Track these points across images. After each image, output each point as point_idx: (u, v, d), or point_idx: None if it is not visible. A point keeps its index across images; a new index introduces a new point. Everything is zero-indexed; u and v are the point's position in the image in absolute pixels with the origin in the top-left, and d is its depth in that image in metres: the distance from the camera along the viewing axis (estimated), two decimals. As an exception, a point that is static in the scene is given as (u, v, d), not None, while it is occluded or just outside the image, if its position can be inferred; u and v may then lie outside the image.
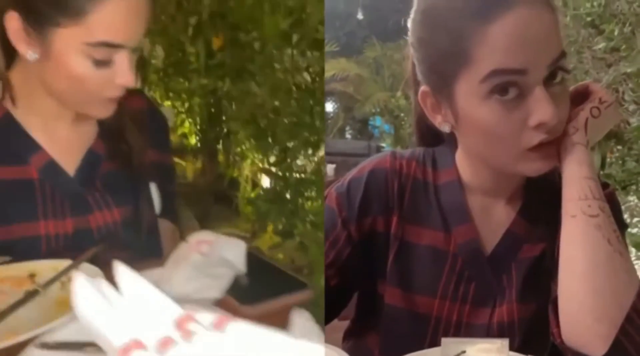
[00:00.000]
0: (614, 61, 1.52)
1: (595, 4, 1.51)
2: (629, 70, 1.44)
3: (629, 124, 1.46)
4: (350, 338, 0.96)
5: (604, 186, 0.82)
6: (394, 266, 0.87)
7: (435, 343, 0.84)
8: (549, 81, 0.72)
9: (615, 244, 0.71)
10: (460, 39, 0.71)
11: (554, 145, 0.76)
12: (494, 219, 0.86)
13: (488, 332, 0.84)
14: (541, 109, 0.71)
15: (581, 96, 0.80)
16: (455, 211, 0.86)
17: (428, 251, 0.86)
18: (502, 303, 0.84)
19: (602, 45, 1.51)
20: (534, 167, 0.76)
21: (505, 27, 0.70)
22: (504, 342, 0.67)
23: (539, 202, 0.85)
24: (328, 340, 0.91)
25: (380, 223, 0.87)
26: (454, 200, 0.86)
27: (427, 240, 0.86)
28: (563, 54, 0.73)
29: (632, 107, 1.47)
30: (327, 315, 0.90)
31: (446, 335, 0.85)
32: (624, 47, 1.48)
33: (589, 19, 1.52)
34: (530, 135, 0.73)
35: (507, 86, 0.71)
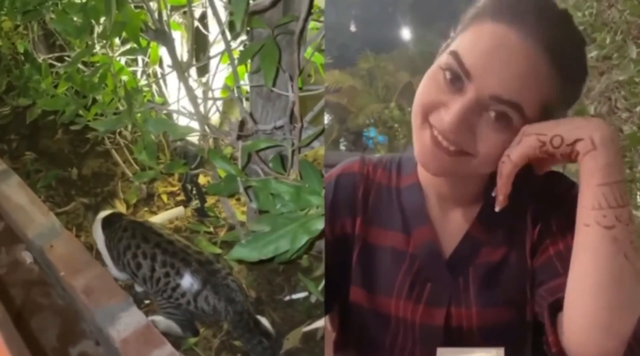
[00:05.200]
0: (606, 69, 1.53)
1: (586, 13, 1.52)
2: (621, 78, 1.46)
3: (622, 131, 1.48)
4: (338, 349, 0.96)
5: (570, 184, 0.82)
6: (357, 267, 0.88)
7: (396, 342, 0.86)
8: (492, 109, 0.71)
9: (632, 257, 0.67)
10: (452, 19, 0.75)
11: (459, 153, 0.74)
12: (454, 223, 0.86)
13: (446, 335, 0.84)
14: (445, 116, 0.72)
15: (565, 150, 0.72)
16: (415, 213, 0.86)
17: (388, 252, 0.87)
18: (459, 306, 0.84)
19: (594, 53, 1.52)
20: (427, 158, 0.76)
21: (483, 30, 0.72)
22: (499, 351, 0.67)
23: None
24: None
25: (348, 225, 0.88)
26: (414, 202, 0.87)
27: (387, 242, 0.87)
28: (521, 105, 0.71)
29: (624, 114, 1.48)
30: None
31: (405, 336, 0.86)
32: (615, 55, 1.49)
33: (580, 28, 1.55)
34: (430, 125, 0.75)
35: (455, 78, 0.72)
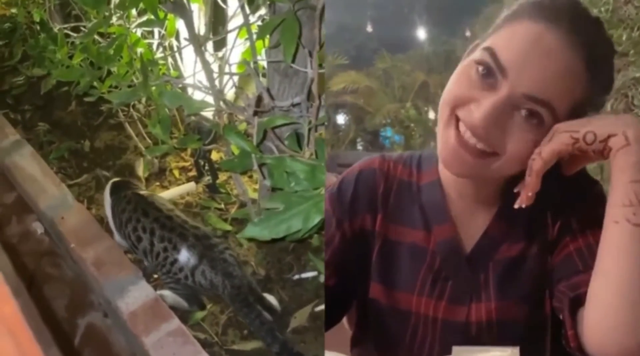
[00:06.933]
0: (622, 65, 1.51)
1: (602, 9, 1.51)
2: (637, 75, 1.44)
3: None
4: (356, 345, 0.96)
5: (592, 182, 0.82)
6: (377, 263, 0.88)
7: (415, 338, 0.86)
8: (524, 107, 0.71)
9: None
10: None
11: (483, 155, 0.74)
12: (473, 220, 0.85)
13: (466, 331, 0.84)
14: (476, 112, 0.72)
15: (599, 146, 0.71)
16: (436, 210, 0.86)
17: (408, 249, 0.86)
18: (479, 302, 0.83)
19: None
20: (450, 157, 0.76)
21: (520, 29, 0.72)
22: (515, 350, 0.67)
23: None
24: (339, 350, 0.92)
25: (368, 221, 0.88)
26: (434, 200, 0.86)
27: (408, 238, 0.87)
28: (553, 105, 0.71)
29: (641, 112, 1.47)
30: (330, 317, 0.92)
31: (425, 332, 0.85)
32: (632, 52, 1.47)
33: None
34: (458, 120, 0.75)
35: (488, 73, 0.72)
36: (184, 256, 1.41)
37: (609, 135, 0.68)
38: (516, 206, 0.74)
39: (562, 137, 0.70)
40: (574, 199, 0.81)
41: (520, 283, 0.82)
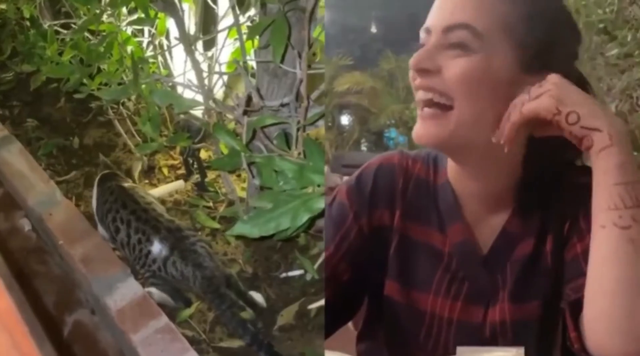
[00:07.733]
0: (627, 66, 1.52)
1: (607, 10, 1.51)
2: None
3: (643, 128, 1.48)
4: (363, 340, 0.95)
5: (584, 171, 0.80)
6: (394, 260, 0.87)
7: (429, 338, 0.85)
8: (450, 42, 0.73)
9: None
10: None
11: (441, 114, 0.75)
12: (489, 221, 0.84)
13: (481, 332, 0.83)
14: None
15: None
16: (449, 211, 0.85)
17: (425, 248, 0.86)
18: (495, 303, 0.83)
19: (615, 51, 1.50)
20: (418, 129, 0.78)
21: None
22: (519, 350, 0.68)
23: (533, 200, 0.83)
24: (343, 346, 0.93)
25: (386, 217, 0.87)
26: (447, 200, 0.85)
27: (425, 238, 0.86)
28: (471, 24, 0.72)
29: (646, 112, 1.48)
30: (343, 314, 0.91)
31: (439, 331, 0.85)
32: (637, 52, 1.48)
33: (601, 25, 1.52)
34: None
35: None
36: (157, 247, 1.44)
37: (594, 128, 0.66)
38: (493, 140, 0.73)
39: (548, 102, 0.68)
40: (583, 198, 0.77)
41: (536, 284, 0.81)
